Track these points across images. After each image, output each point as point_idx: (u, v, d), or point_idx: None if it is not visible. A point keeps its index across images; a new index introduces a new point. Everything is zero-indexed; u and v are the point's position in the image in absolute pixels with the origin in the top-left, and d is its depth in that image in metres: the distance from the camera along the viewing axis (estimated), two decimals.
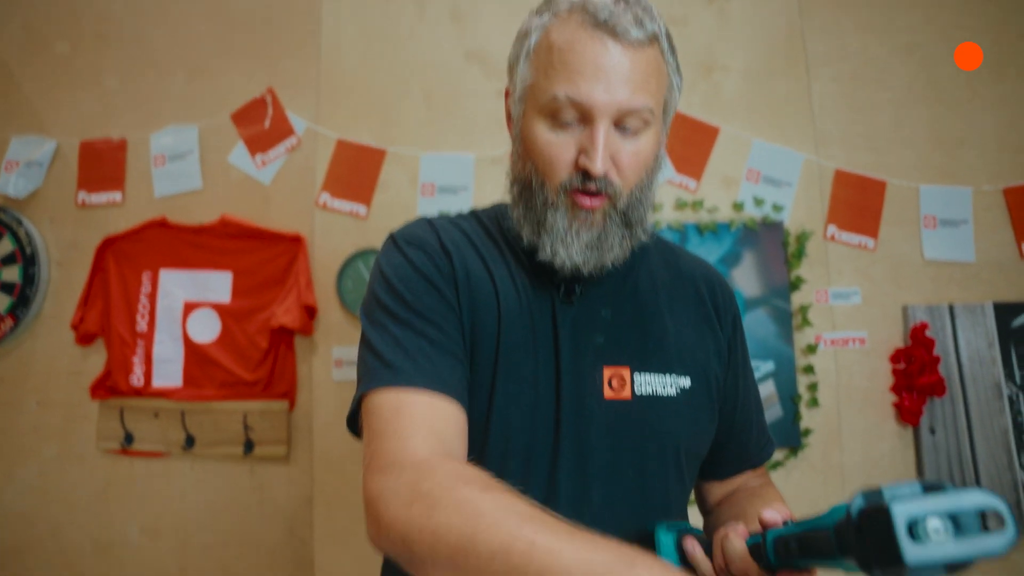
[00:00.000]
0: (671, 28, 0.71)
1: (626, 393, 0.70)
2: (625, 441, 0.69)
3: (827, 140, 1.68)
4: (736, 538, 0.58)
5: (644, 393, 0.70)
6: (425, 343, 0.64)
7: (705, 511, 0.86)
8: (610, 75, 0.62)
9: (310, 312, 1.60)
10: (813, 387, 1.59)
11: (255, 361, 1.60)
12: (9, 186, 1.67)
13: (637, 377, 0.70)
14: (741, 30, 1.70)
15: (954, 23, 1.70)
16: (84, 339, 1.65)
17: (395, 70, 1.69)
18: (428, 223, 0.75)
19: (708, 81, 1.69)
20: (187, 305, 1.64)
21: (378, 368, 0.64)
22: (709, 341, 0.77)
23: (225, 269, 1.64)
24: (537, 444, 0.68)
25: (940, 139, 1.68)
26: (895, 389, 1.60)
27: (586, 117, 0.64)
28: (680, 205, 1.65)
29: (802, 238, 1.62)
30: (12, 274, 1.68)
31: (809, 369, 1.60)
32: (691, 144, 1.66)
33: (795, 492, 1.56)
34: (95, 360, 1.67)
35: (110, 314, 1.64)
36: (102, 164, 1.71)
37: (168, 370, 1.63)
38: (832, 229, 1.65)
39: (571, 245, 0.67)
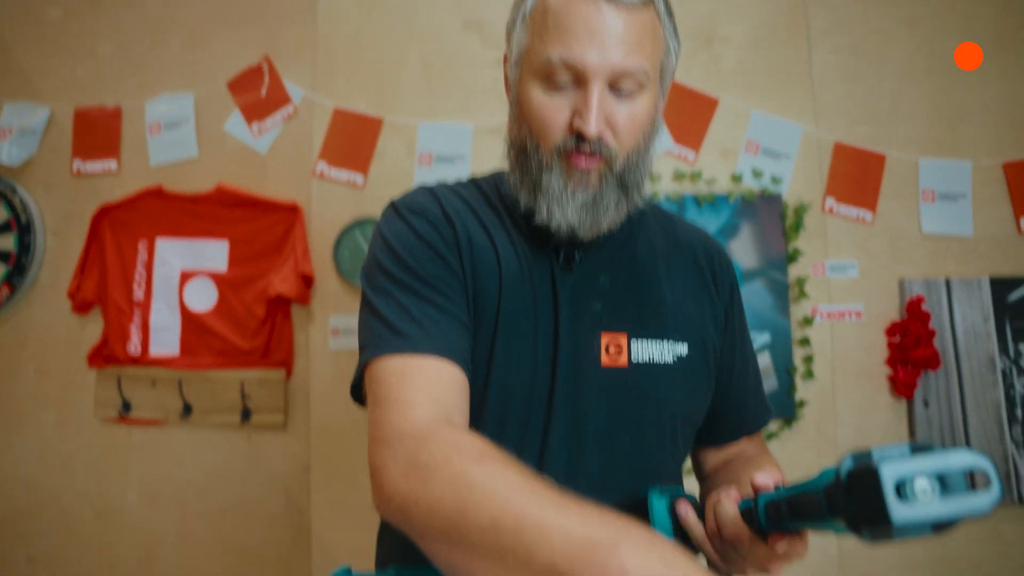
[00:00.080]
0: None
1: (623, 360, 0.70)
2: (621, 408, 0.70)
3: (827, 112, 1.67)
4: (728, 502, 0.58)
5: (641, 361, 0.70)
6: (431, 308, 0.65)
7: (701, 478, 0.86)
8: (604, 37, 0.62)
9: (307, 281, 1.60)
10: (809, 359, 1.60)
11: (252, 330, 1.60)
12: (3, 154, 1.66)
13: (634, 344, 0.71)
14: (742, 0, 1.68)
15: None
16: (81, 308, 1.65)
17: (393, 38, 1.68)
18: (429, 191, 0.75)
19: (708, 52, 1.68)
20: (184, 274, 1.64)
21: (384, 334, 0.63)
22: (707, 308, 0.77)
23: (222, 238, 1.64)
24: (533, 409, 0.68)
25: (941, 112, 1.67)
26: (890, 362, 1.61)
27: (580, 79, 0.64)
28: (678, 176, 1.64)
29: (800, 210, 1.62)
30: (7, 242, 1.67)
31: (805, 341, 1.60)
32: (690, 115, 1.65)
33: (789, 463, 1.57)
34: (92, 329, 1.67)
35: (107, 283, 1.64)
36: (97, 132, 1.70)
37: (165, 339, 1.63)
38: (830, 202, 1.64)
39: (567, 206, 0.67)
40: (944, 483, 0.40)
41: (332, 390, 1.59)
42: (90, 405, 1.65)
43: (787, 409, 1.58)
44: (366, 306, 0.68)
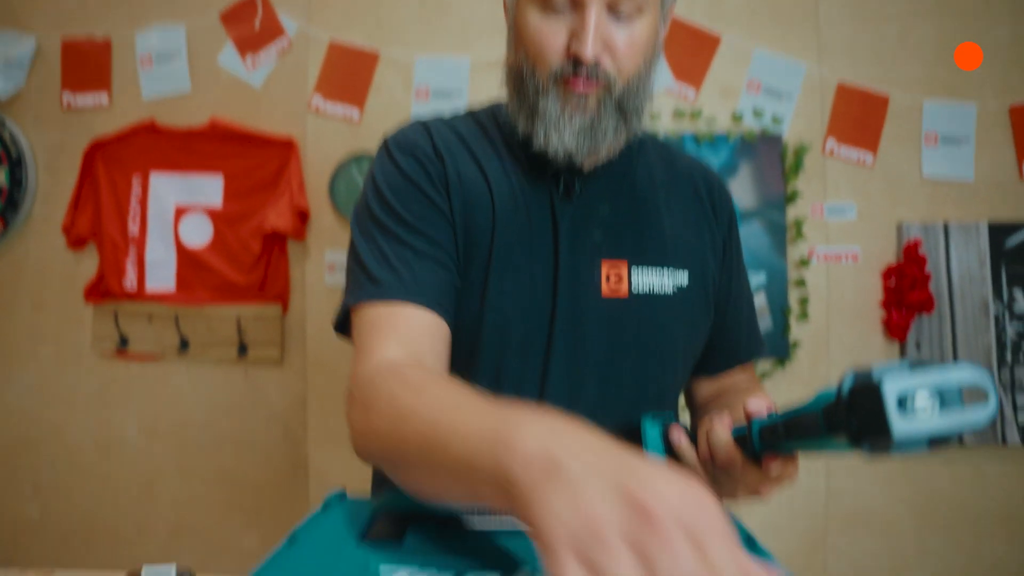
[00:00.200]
0: None
1: (623, 291, 0.70)
2: (621, 339, 0.70)
3: (831, 51, 1.64)
4: (721, 427, 0.59)
5: (641, 292, 0.70)
6: (410, 254, 0.65)
7: (693, 408, 0.87)
8: None
9: (302, 216, 1.59)
10: (804, 301, 1.60)
11: (248, 265, 1.60)
12: None
13: (635, 272, 0.70)
14: None
15: None
16: (76, 243, 1.64)
17: None
18: (422, 125, 0.74)
19: None
20: (178, 209, 1.63)
21: (363, 281, 0.65)
22: (706, 237, 0.77)
23: (216, 173, 1.62)
24: (532, 339, 0.68)
25: (948, 52, 1.63)
26: (885, 304, 1.61)
27: (577, 2, 0.62)
28: (678, 115, 1.62)
29: (800, 151, 1.60)
30: None
31: (801, 282, 1.61)
32: (691, 52, 1.62)
33: (781, 403, 1.59)
34: (88, 264, 1.66)
35: (101, 218, 1.63)
36: (86, 64, 1.66)
37: (161, 274, 1.63)
38: (831, 143, 1.62)
39: (564, 130, 0.66)
40: (942, 398, 0.41)
41: (328, 325, 1.58)
42: (87, 340, 1.66)
43: (781, 349, 1.59)
44: (351, 249, 0.69)
